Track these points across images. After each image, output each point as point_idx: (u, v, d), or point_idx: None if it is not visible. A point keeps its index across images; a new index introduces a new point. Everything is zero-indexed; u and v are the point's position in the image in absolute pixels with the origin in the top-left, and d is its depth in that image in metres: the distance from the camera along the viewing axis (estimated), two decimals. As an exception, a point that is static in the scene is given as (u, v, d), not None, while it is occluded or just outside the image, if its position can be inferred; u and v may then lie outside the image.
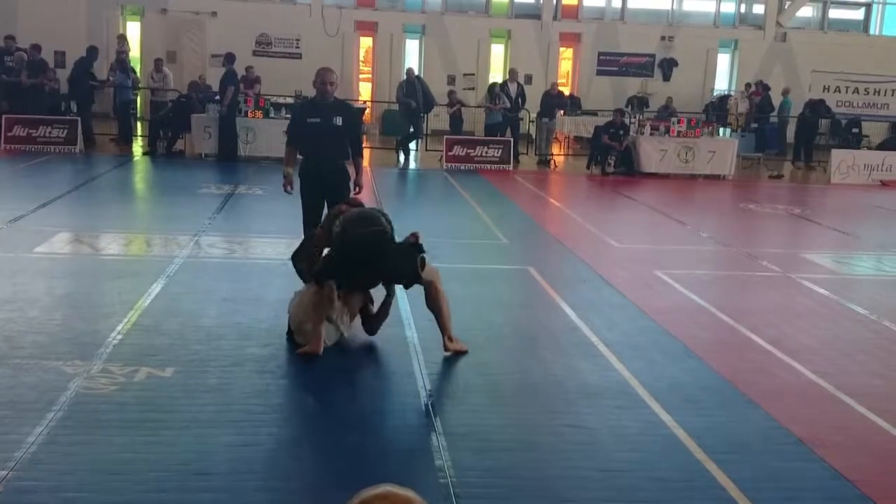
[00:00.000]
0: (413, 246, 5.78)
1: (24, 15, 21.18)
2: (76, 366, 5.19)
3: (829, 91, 22.23)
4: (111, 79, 18.02)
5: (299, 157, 7.42)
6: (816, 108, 20.34)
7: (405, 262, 5.73)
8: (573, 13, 24.60)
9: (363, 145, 7.53)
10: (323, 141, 7.18)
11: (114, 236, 9.17)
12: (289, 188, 7.43)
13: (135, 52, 21.24)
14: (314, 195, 7.28)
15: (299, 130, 7.32)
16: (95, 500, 3.78)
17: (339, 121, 7.21)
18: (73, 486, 3.86)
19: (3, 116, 16.04)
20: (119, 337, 5.79)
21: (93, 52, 17.23)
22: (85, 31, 21.50)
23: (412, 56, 24.00)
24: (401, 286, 6.08)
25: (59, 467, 4.02)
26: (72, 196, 11.59)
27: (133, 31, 22.33)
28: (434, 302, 5.84)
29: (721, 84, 25.47)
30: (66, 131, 15.99)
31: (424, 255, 5.81)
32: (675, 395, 5.29)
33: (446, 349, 5.75)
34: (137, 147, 17.26)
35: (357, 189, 7.39)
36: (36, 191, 11.76)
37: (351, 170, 7.47)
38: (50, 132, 15.93)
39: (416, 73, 19.15)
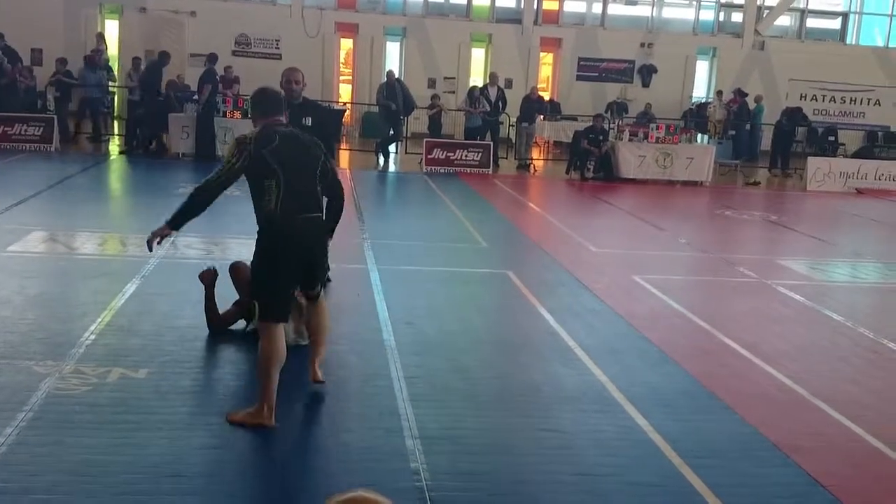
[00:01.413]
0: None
1: (-1, 12, 20.93)
2: (48, 366, 5.12)
3: (805, 99, 22.45)
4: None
5: None
6: (793, 116, 20.54)
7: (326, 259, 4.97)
8: (554, 18, 24.69)
9: (337, 146, 7.42)
10: None
11: (88, 235, 9.06)
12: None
13: (113, 51, 21.04)
14: None
15: None
16: (65, 501, 3.72)
17: (308, 121, 7.09)
18: (43, 487, 3.80)
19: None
20: (92, 337, 5.71)
21: (164, 57, 16.52)
22: (63, 30, 21.32)
23: (393, 58, 23.98)
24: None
25: (28, 468, 3.95)
26: (46, 194, 11.45)
27: (112, 29, 22.12)
28: (322, 317, 5.12)
29: (700, 91, 25.67)
30: (41, 129, 15.81)
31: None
32: (652, 399, 5.30)
33: (314, 377, 5.07)
34: (114, 146, 17.09)
35: None
36: (9, 189, 11.59)
37: None
38: (25, 130, 15.74)
39: (397, 75, 19.12)
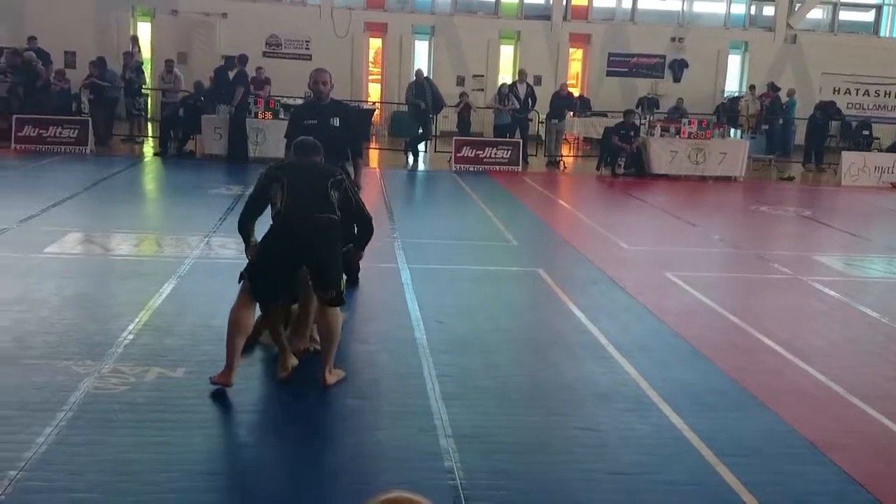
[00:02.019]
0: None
1: (31, 16, 21.27)
2: (87, 366, 5.21)
3: (839, 93, 22.13)
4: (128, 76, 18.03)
5: None
6: (827, 110, 20.26)
7: (337, 264, 5.14)
8: (583, 14, 24.57)
9: (364, 146, 7.47)
10: (321, 142, 7.14)
11: (124, 236, 9.19)
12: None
13: (146, 53, 21.30)
14: None
15: (297, 132, 7.29)
16: (105, 500, 3.78)
17: (336, 121, 7.15)
18: (83, 486, 3.87)
19: (14, 117, 16.13)
20: (130, 337, 5.80)
21: (231, 60, 16.43)
22: (94, 33, 21.60)
23: (421, 57, 24.01)
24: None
25: (68, 467, 4.02)
26: (82, 196, 11.63)
27: (144, 32, 22.39)
28: (331, 322, 5.19)
29: (732, 85, 25.40)
30: (76, 131, 16.05)
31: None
32: (685, 397, 5.28)
33: (324, 382, 5.16)
34: (148, 148, 17.32)
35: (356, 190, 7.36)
36: (46, 191, 11.80)
37: (352, 170, 7.45)
38: (60, 132, 15.99)
39: (425, 74, 19.15)
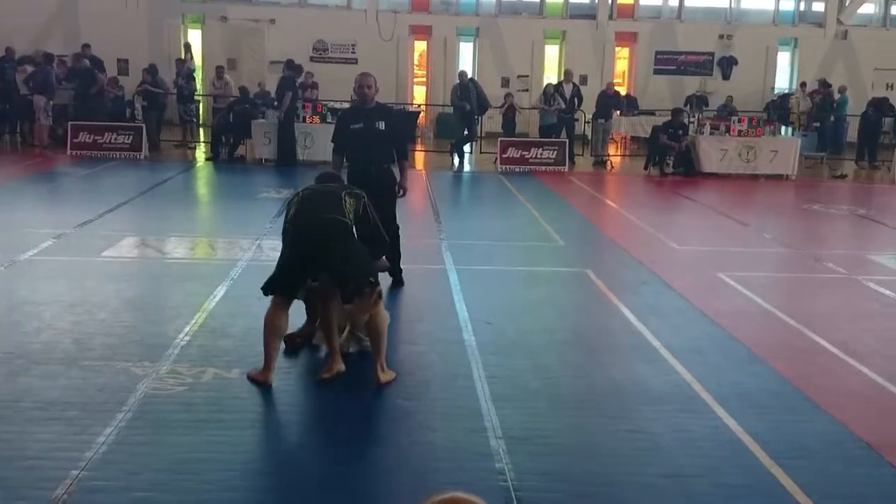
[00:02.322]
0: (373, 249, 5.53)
1: (85, 25, 21.77)
2: (145, 367, 5.33)
3: (892, 89, 21.61)
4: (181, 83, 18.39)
5: (347, 163, 7.47)
6: (880, 107, 19.81)
7: (357, 260, 5.22)
8: (629, 12, 24.37)
9: (409, 148, 7.56)
10: (366, 146, 7.22)
11: (179, 240, 9.38)
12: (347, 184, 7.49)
13: (197, 60, 21.66)
14: None
15: (343, 137, 7.38)
16: (164, 499, 3.87)
17: (381, 125, 7.22)
18: (143, 485, 3.96)
19: (70, 123, 16.54)
20: (186, 339, 5.92)
21: (291, 63, 16.75)
22: (147, 40, 22.04)
23: (466, 58, 24.04)
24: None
25: (128, 467, 4.12)
26: (137, 201, 11.88)
27: (194, 39, 22.78)
28: (378, 321, 5.28)
29: (782, 82, 24.99)
30: (130, 137, 16.40)
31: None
32: (740, 399, 5.22)
33: (377, 380, 5.23)
34: (200, 153, 17.63)
35: (401, 192, 7.43)
36: (102, 196, 12.09)
37: (398, 174, 7.51)
38: (115, 138, 16.35)
39: (470, 75, 19.17)
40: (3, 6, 21.82)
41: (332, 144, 7.52)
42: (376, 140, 7.22)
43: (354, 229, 5.35)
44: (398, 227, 7.48)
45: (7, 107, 17.13)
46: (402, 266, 7.61)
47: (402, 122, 7.67)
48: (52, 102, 16.65)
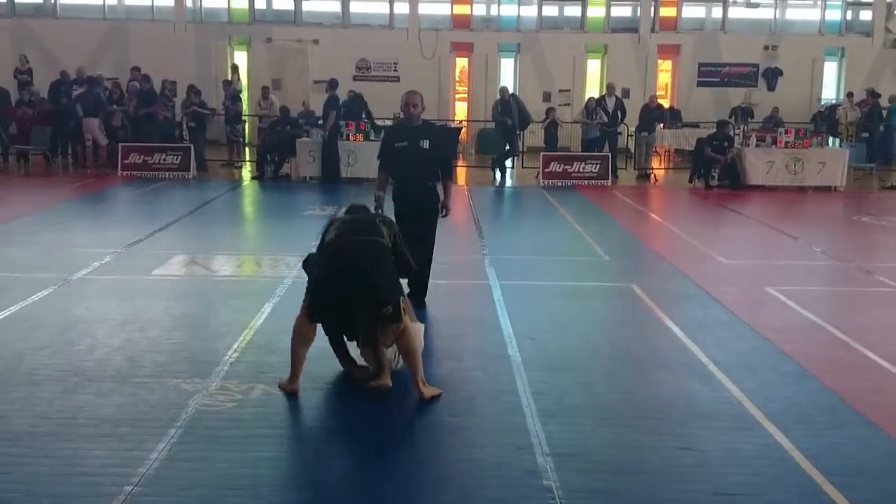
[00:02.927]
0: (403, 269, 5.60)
1: (135, 46, 22.31)
2: (195, 383, 5.41)
3: (942, 97, 21.08)
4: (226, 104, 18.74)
5: (392, 181, 7.53)
6: (931, 116, 19.39)
7: (391, 281, 5.34)
8: (671, 25, 24.23)
9: (454, 166, 7.58)
10: (410, 164, 7.25)
11: (226, 258, 9.52)
12: (380, 212, 7.56)
13: (243, 80, 22.04)
14: (404, 218, 7.39)
15: (388, 154, 7.43)
16: (216, 514, 3.92)
17: (426, 144, 7.23)
18: (194, 501, 4.01)
19: (120, 144, 16.93)
20: (235, 355, 6.00)
21: (335, 83, 16.90)
22: (194, 62, 22.49)
23: (507, 74, 24.10)
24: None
25: (180, 483, 4.18)
26: (186, 220, 12.10)
27: (240, 60, 23.20)
28: (407, 341, 5.31)
29: (828, 93, 24.61)
30: (179, 158, 16.73)
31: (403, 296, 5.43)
32: (791, 416, 5.13)
33: (421, 396, 5.26)
34: (246, 172, 17.90)
35: (444, 212, 7.45)
36: (152, 215, 12.35)
37: (441, 192, 7.53)
38: (164, 159, 16.70)
39: (511, 90, 19.20)
40: (56, 31, 22.48)
41: (378, 161, 7.59)
42: (420, 158, 7.25)
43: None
44: (433, 245, 7.51)
45: (60, 129, 17.60)
46: (445, 281, 7.62)
47: (447, 141, 7.71)
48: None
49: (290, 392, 5.26)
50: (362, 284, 5.18)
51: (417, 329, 5.45)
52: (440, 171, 7.42)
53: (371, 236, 5.36)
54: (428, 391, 5.27)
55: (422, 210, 7.30)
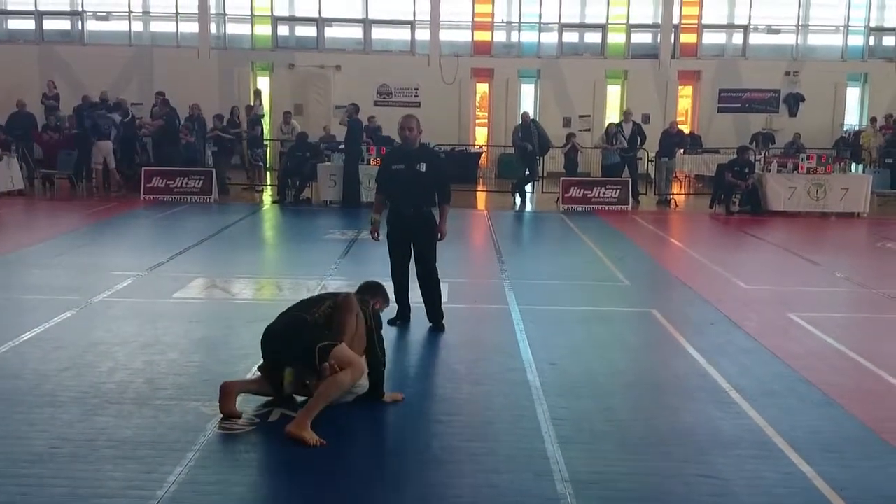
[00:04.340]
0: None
1: (159, 72, 22.64)
2: (214, 407, 5.41)
3: (968, 122, 20.95)
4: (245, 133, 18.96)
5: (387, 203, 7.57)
6: (957, 141, 19.23)
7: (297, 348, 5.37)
8: (692, 51, 24.29)
9: (449, 191, 7.57)
10: (407, 187, 7.30)
11: (246, 281, 9.56)
12: (375, 235, 7.61)
13: (265, 106, 22.29)
14: (398, 241, 7.42)
15: (385, 177, 7.49)
16: (233, 537, 3.91)
17: (422, 167, 7.28)
18: (213, 523, 4.01)
19: (143, 168, 17.13)
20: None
21: (354, 106, 17.19)
22: (217, 87, 22.78)
23: (527, 99, 24.20)
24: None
25: (198, 505, 4.18)
26: (207, 243, 12.18)
27: (263, 85, 23.47)
28: (326, 384, 5.19)
29: (851, 118, 24.49)
30: (201, 182, 16.89)
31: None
32: (815, 444, 5.05)
33: (288, 430, 4.97)
34: (267, 196, 18.02)
35: (439, 236, 7.46)
36: (173, 238, 12.45)
37: (437, 216, 7.52)
38: (186, 183, 16.87)
39: (532, 116, 19.27)
40: (82, 56, 22.86)
41: (377, 183, 7.68)
42: (416, 181, 7.30)
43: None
44: (437, 272, 7.51)
45: (83, 153, 17.85)
46: (463, 305, 7.61)
47: (445, 166, 7.75)
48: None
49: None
50: (269, 350, 5.52)
51: (341, 383, 5.22)
52: (437, 195, 7.45)
53: (301, 313, 5.56)
54: (297, 430, 4.92)
55: (418, 233, 7.35)
